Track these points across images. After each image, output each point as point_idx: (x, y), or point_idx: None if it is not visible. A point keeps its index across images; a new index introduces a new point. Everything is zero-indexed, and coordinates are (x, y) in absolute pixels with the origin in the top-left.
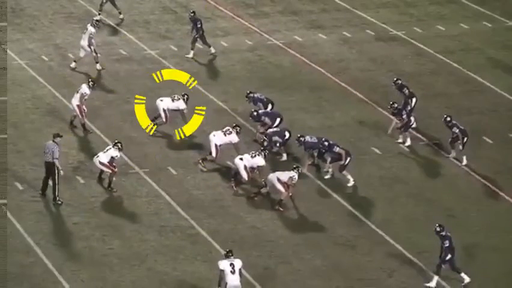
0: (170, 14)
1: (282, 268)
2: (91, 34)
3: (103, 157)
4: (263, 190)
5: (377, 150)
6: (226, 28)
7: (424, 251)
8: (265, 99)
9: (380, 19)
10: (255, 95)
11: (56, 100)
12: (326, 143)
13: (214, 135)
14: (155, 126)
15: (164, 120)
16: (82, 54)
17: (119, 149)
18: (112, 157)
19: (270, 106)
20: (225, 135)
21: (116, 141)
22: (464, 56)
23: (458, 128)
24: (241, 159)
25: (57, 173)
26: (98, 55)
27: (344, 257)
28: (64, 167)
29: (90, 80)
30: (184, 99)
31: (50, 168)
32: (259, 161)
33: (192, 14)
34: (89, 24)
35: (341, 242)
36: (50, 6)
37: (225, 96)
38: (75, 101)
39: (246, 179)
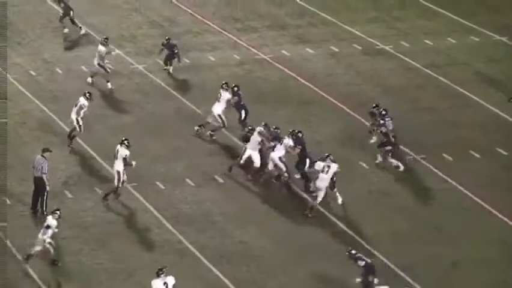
0: (157, 29)
1: (269, 283)
2: (101, 52)
3: (119, 164)
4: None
5: (364, 165)
6: (214, 43)
7: (411, 266)
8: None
9: (367, 33)
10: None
11: (44, 115)
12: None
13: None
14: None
15: (222, 124)
16: (95, 70)
17: (127, 146)
18: (124, 158)
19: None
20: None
21: (123, 138)
22: (451, 70)
23: (384, 125)
24: (273, 151)
25: (46, 187)
26: (109, 71)
27: (332, 272)
28: (52, 181)
29: (86, 91)
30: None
31: (38, 183)
32: (289, 141)
33: (167, 41)
34: (99, 44)
35: (328, 256)
36: (37, 20)
37: None
38: (74, 114)
39: (258, 165)
